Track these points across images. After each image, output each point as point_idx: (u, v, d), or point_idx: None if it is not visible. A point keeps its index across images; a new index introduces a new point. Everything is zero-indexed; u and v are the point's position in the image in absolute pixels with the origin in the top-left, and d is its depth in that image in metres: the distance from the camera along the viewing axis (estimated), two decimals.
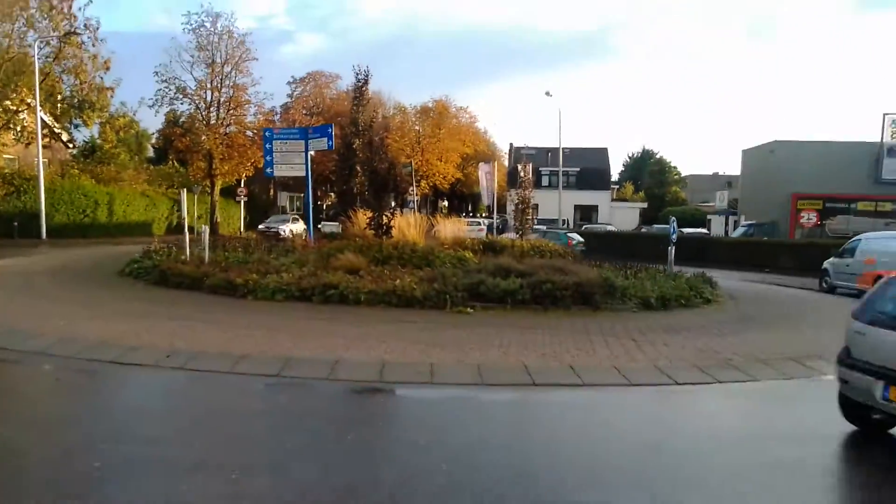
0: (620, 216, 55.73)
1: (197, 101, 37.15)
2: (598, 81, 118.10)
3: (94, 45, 28.99)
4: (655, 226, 45.73)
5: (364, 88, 18.70)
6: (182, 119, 37.36)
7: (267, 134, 17.50)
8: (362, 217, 17.23)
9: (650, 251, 23.62)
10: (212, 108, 37.37)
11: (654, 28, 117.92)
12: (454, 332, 8.65)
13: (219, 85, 37.07)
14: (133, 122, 33.84)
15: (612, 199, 60.58)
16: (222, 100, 37.31)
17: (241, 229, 40.39)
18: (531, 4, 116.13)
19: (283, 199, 55.20)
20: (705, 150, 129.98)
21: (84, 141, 35.52)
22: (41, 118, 27.44)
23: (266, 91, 50.04)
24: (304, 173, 16.86)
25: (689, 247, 25.76)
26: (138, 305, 10.29)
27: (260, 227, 35.57)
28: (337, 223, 26.38)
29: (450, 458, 4.44)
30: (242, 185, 41.37)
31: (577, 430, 5.36)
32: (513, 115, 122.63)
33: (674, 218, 16.44)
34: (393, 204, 15.37)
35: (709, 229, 46.55)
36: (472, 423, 5.47)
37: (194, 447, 4.56)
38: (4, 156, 30.04)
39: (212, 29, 36.02)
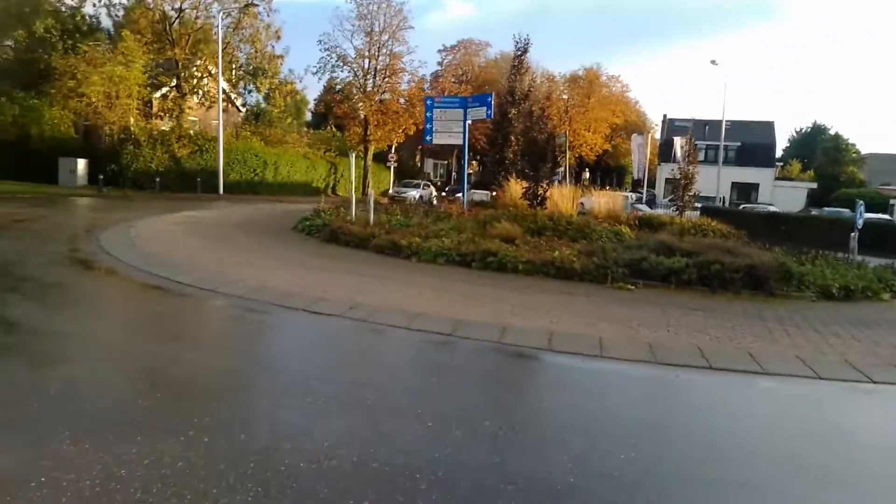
0: (783, 196, 51.19)
1: (355, 69, 38.93)
2: (762, 48, 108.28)
3: (268, 16, 31.28)
4: (826, 209, 41.61)
5: (523, 57, 18.68)
6: (340, 86, 39.38)
7: (428, 102, 18.00)
8: (514, 186, 17.33)
9: (821, 237, 21.53)
10: (368, 76, 38.99)
11: None
12: (618, 308, 8.52)
13: (376, 53, 38.52)
14: (296, 89, 36.22)
15: (776, 178, 55.77)
16: (378, 68, 38.80)
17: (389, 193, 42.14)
18: None
19: (429, 165, 56.62)
20: (888, 127, 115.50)
21: (251, 105, 38.51)
22: (219, 84, 29.99)
23: (418, 59, 50.83)
24: (461, 141, 17.19)
25: (868, 234, 23.14)
26: (316, 260, 11.17)
27: (389, 191, 36.84)
28: (486, 192, 26.75)
29: (634, 431, 4.43)
30: (393, 150, 42.91)
31: (769, 421, 5.11)
32: (666, 85, 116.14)
33: (861, 202, 14.84)
34: (549, 175, 15.26)
35: (892, 215, 41.57)
36: (650, 399, 5.42)
37: (390, 394, 4.91)
38: (189, 118, 33.26)
39: None
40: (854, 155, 62.38)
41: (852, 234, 14.52)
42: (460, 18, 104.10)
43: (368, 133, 39.18)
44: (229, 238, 13.39)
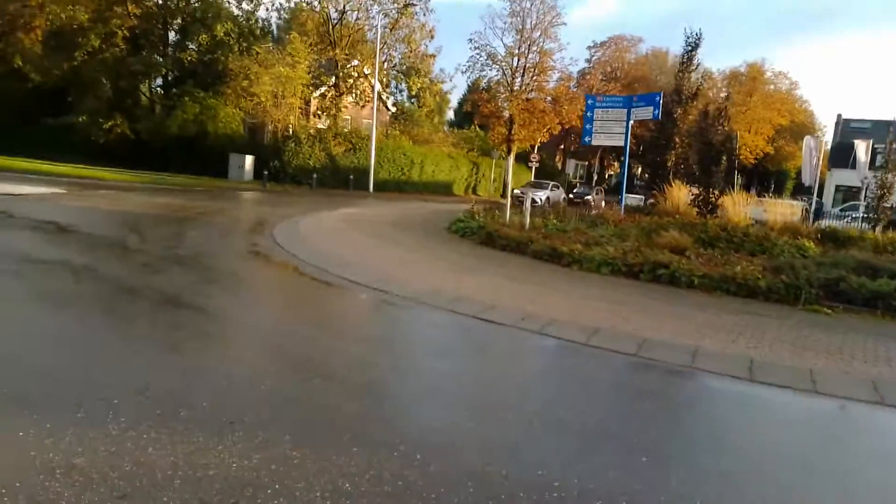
0: None
1: (504, 68, 38.84)
2: None
3: (424, 15, 31.97)
4: None
5: (693, 53, 17.52)
6: (488, 84, 39.48)
7: (589, 102, 17.34)
8: (677, 192, 16.30)
9: None
10: (517, 74, 38.76)
11: None
12: (821, 336, 7.56)
13: (526, 51, 38.20)
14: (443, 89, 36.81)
15: None
16: (528, 65, 38.45)
17: None
18: None
19: (571, 166, 55.42)
20: None
21: (400, 103, 39.63)
22: (375, 84, 31.08)
23: (569, 56, 49.69)
24: (622, 143, 16.41)
25: None
26: (477, 263, 11.07)
27: (515, 191, 34.07)
28: (641, 196, 25.56)
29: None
30: (535, 150, 42.38)
31: None
32: (839, 83, 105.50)
33: None
34: (722, 181, 14.13)
35: None
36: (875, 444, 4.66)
37: (594, 418, 4.59)
38: (343, 117, 34.81)
39: None
40: None
41: None
42: (604, 15, 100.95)
43: (512, 132, 39.00)
44: (390, 237, 13.69)
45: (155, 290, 7.38)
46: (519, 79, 38.67)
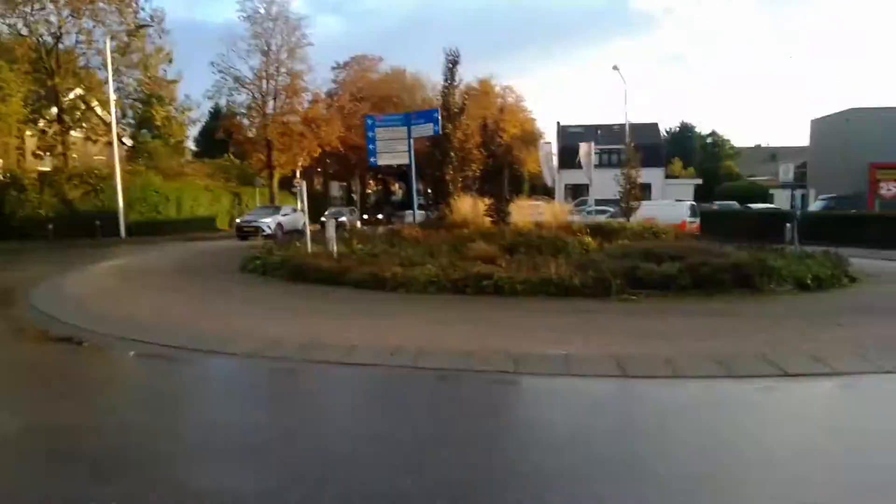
0: (674, 193, 54.56)
1: (253, 91, 37.24)
2: (624, 55, 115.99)
3: (160, 38, 29.18)
4: (718, 202, 44.62)
5: (454, 69, 18.41)
6: (242, 110, 37.52)
7: (369, 122, 17.24)
8: (463, 204, 17.03)
9: (753, 230, 22.79)
10: (268, 97, 37.45)
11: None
12: (647, 322, 8.33)
13: (275, 73, 37.08)
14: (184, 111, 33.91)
15: (665, 177, 59.35)
16: (278, 88, 37.36)
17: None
18: None
19: (334, 188, 55.23)
20: (741, 123, 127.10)
21: (143, 135, 35.78)
22: (113, 115, 27.58)
23: (320, 77, 49.24)
24: (406, 160, 16.61)
25: (766, 224, 24.87)
26: (298, 302, 10.22)
27: (238, 220, 30.44)
28: (422, 212, 26.26)
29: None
30: (298, 175, 41.41)
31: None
32: (550, 94, 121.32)
33: (799, 192, 15.83)
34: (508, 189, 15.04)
35: (773, 203, 45.36)
36: (770, 414, 5.19)
37: (507, 451, 4.35)
38: (72, 155, 30.35)
39: (266, 14, 35.91)
40: (730, 150, 67.79)
41: (791, 225, 15.41)
42: (334, 35, 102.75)
43: (273, 158, 37.60)
44: (184, 289, 11.96)
45: None
46: (271, 102, 37.42)
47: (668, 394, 5.80)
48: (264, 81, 36.94)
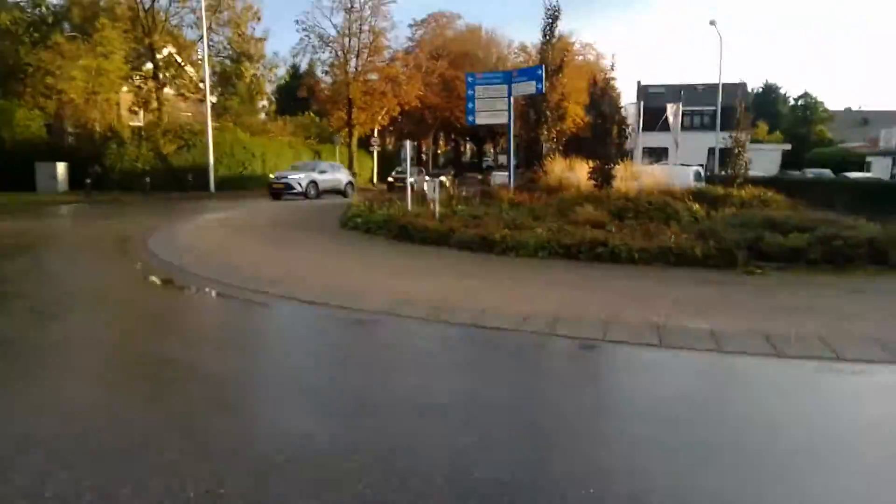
0: (759, 160, 51.79)
1: (337, 49, 37.30)
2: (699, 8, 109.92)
3: None
4: (810, 170, 42.06)
5: (554, 25, 17.91)
6: (325, 68, 37.75)
7: (469, 80, 16.89)
8: (558, 166, 16.64)
9: (847, 202, 21.27)
10: (350, 55, 37.44)
11: None
12: (786, 297, 7.89)
13: (357, 31, 36.96)
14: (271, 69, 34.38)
15: (751, 141, 56.33)
16: (361, 46, 37.27)
17: (374, 180, 40.76)
18: None
19: (408, 148, 55.24)
20: (828, 84, 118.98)
21: (230, 94, 36.46)
22: (206, 72, 28.17)
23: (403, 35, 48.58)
24: (505, 119, 16.25)
25: (869, 195, 23.00)
26: (412, 261, 10.23)
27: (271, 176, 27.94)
28: (506, 174, 25.93)
29: None
30: (375, 134, 41.55)
31: None
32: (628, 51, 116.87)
33: None
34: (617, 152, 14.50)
35: (870, 172, 42.27)
36: None
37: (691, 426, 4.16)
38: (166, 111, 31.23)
39: None
40: (823, 113, 63.67)
41: None
42: None
43: (353, 116, 37.78)
44: (297, 244, 12.16)
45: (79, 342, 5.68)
46: (353, 60, 37.40)
47: (840, 378, 5.45)
48: (347, 39, 36.89)
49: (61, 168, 24.67)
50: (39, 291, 8.14)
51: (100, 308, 7.48)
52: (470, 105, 16.33)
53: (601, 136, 13.71)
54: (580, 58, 56.06)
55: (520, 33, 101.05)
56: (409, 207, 13.96)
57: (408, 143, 15.55)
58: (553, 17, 17.66)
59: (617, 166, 14.20)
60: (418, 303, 7.32)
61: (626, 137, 14.78)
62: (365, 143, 41.60)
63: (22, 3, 27.89)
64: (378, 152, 42.07)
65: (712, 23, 38.06)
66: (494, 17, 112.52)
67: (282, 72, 35.11)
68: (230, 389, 4.80)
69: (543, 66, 15.79)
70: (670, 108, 36.92)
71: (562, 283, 8.62)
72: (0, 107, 24.77)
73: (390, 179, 33.19)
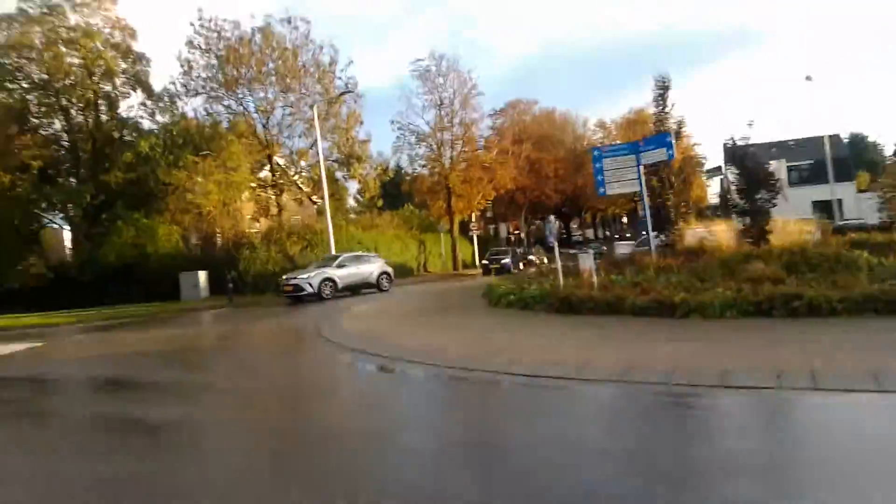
0: (869, 208, 49.31)
1: (431, 143, 39.10)
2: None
3: (355, 102, 31.69)
4: None
5: (665, 94, 18.24)
6: (423, 162, 39.57)
7: (596, 153, 17.23)
8: (689, 230, 16.44)
9: None
10: (444, 148, 39.12)
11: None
12: None
13: (449, 125, 38.72)
14: (385, 170, 36.46)
15: (858, 191, 53.96)
16: (454, 138, 38.94)
17: (475, 263, 41.27)
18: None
19: (503, 230, 56.12)
20: None
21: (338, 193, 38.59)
22: (323, 175, 29.99)
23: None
24: (637, 188, 16.32)
25: None
26: (597, 332, 10.13)
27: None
28: (631, 243, 25.81)
29: None
30: (475, 219, 42.48)
31: None
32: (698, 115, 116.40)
33: None
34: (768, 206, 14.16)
35: None
36: None
37: None
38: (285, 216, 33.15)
39: (437, 71, 37.77)
40: None
41: None
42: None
43: (451, 204, 38.97)
44: (464, 326, 12.34)
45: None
46: (448, 151, 39.01)
47: None
48: (440, 133, 38.68)
49: (202, 277, 26.43)
50: (277, 381, 8.58)
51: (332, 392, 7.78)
52: (599, 178, 16.52)
53: (751, 191, 13.46)
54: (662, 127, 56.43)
55: (587, 111, 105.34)
56: (561, 282, 13.96)
57: (552, 219, 15.70)
58: (664, 87, 17.99)
59: (769, 222, 13.83)
60: (647, 369, 7.20)
61: (778, 192, 14.44)
62: (463, 229, 42.54)
63: (156, 131, 30.98)
64: (478, 236, 42.90)
65: (808, 78, 37.76)
66: (554, 97, 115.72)
67: (393, 166, 37.05)
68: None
69: (671, 133, 15.88)
70: (774, 165, 35.93)
71: (777, 341, 8.28)
72: (145, 225, 27.14)
73: (485, 262, 34.09)
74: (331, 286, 21.95)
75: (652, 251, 15.98)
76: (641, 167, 16.15)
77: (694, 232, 18.04)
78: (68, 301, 24.97)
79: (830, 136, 55.08)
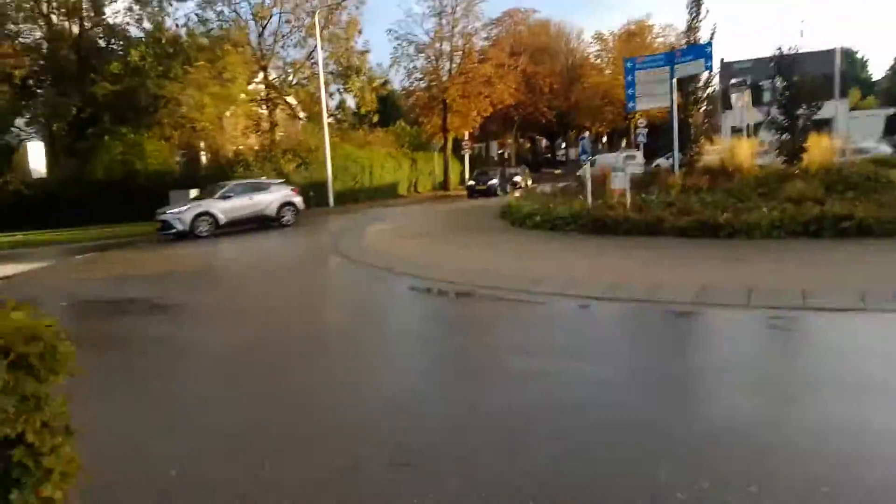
0: (859, 127, 49.05)
1: (430, 55, 37.48)
2: None
3: (357, 9, 30.05)
4: None
5: (699, 4, 17.29)
6: (420, 75, 37.98)
7: (629, 65, 16.18)
8: (713, 148, 16.09)
9: None
10: (442, 60, 37.57)
11: None
12: None
13: (449, 34, 37.01)
14: (385, 83, 35.04)
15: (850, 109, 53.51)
16: (454, 49, 37.32)
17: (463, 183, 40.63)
18: None
19: (494, 149, 55.03)
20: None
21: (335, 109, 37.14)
22: (322, 90, 28.72)
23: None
24: (667, 103, 15.64)
25: None
26: (645, 254, 9.93)
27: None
28: (640, 162, 25.45)
29: None
30: (467, 137, 41.46)
31: None
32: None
33: None
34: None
35: None
36: None
37: None
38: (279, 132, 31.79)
39: None
40: None
41: None
42: None
43: (447, 121, 37.83)
44: (493, 245, 12.17)
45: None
46: (447, 64, 37.53)
47: None
48: (439, 43, 37.04)
49: (194, 195, 25.53)
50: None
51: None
52: (630, 91, 15.76)
53: (790, 108, 13.00)
54: (660, 39, 54.73)
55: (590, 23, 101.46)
56: (589, 202, 13.63)
57: (587, 135, 15.16)
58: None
59: (807, 141, 13.47)
60: (726, 289, 7.04)
61: (818, 108, 13.95)
62: (455, 148, 41.53)
63: (144, 39, 29.00)
64: (469, 155, 41.99)
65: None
66: (549, 4, 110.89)
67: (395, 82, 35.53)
68: None
69: (711, 42, 15.12)
70: (736, 98, 34.62)
71: (843, 261, 8.18)
72: (133, 140, 25.85)
73: (470, 183, 31.52)
74: (209, 222, 18.26)
75: (674, 170, 15.64)
76: (675, 80, 15.40)
77: (714, 150, 17.68)
78: (52, 220, 23.99)
79: (820, 52, 54.14)
